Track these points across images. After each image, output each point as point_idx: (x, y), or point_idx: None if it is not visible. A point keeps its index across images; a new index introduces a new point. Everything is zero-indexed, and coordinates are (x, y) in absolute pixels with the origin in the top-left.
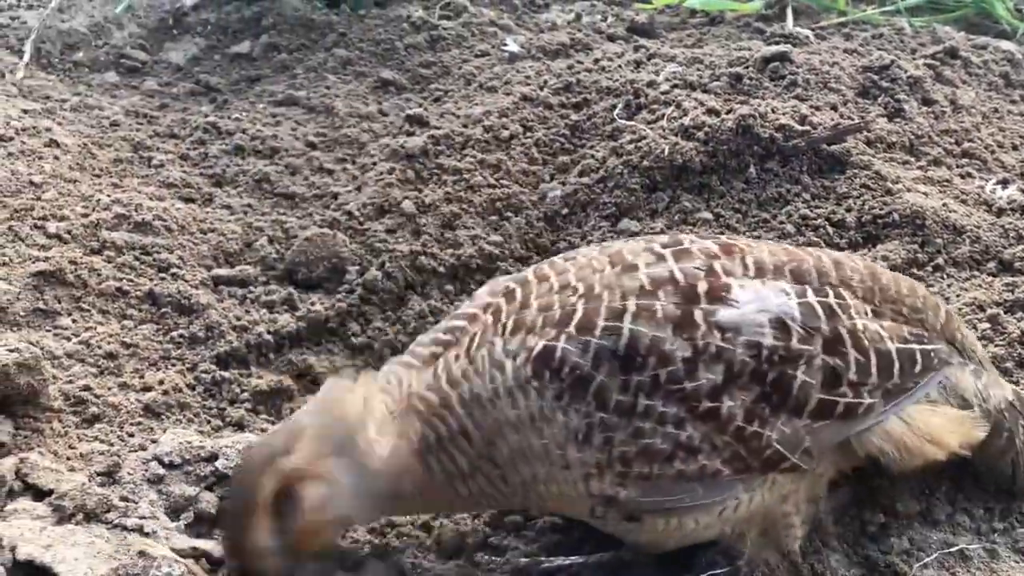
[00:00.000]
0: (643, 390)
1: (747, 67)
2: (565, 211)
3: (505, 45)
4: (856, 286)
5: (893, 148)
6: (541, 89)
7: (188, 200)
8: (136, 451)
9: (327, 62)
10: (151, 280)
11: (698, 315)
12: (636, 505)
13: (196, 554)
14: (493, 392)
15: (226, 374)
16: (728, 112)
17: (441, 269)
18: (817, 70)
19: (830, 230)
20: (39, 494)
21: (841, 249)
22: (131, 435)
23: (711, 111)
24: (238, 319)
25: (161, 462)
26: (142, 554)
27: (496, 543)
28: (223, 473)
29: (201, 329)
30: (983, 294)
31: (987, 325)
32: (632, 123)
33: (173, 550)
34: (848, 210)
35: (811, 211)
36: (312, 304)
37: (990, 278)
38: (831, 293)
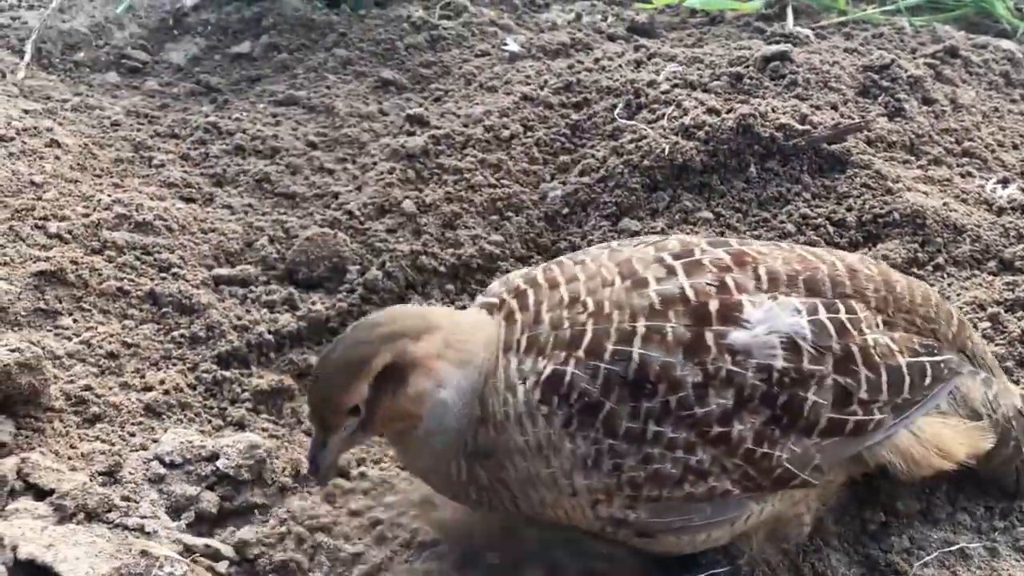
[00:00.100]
0: (653, 416)
1: (747, 67)
2: (566, 211)
3: (505, 45)
4: (870, 296)
5: (893, 147)
6: (541, 89)
7: (189, 200)
8: (137, 451)
9: (327, 62)
10: (152, 280)
11: (709, 338)
12: (646, 526)
13: (198, 553)
14: (504, 416)
15: (227, 374)
16: (728, 111)
17: (442, 269)
18: (817, 69)
19: (830, 229)
20: (40, 494)
21: (841, 248)
22: (132, 435)
23: (711, 110)
24: (239, 319)
25: (162, 462)
26: (144, 553)
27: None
28: (224, 473)
29: (202, 329)
30: (983, 293)
31: (987, 324)
32: (632, 123)
33: (176, 550)
34: (848, 209)
35: (811, 210)
36: (313, 304)
37: (990, 277)
38: (843, 308)
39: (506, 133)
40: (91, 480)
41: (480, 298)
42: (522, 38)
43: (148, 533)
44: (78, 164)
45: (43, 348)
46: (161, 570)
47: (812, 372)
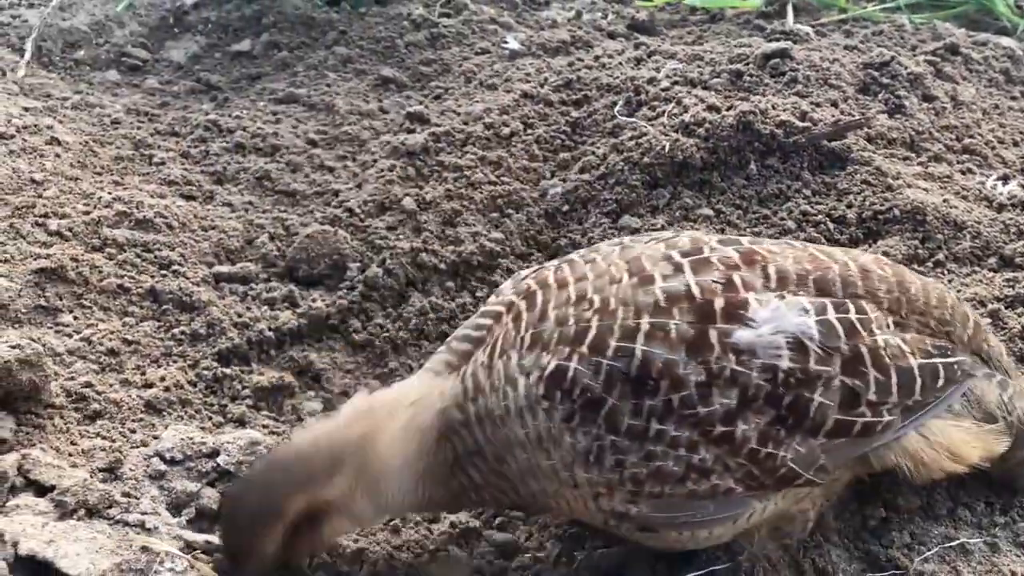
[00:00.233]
0: (655, 414)
1: (747, 64)
2: (566, 208)
3: (505, 42)
4: (882, 297)
5: (894, 144)
6: (542, 86)
7: (189, 198)
8: (138, 447)
9: (328, 60)
10: (152, 277)
11: (713, 336)
12: (648, 520)
13: (199, 549)
14: (504, 409)
15: (227, 371)
16: (729, 109)
17: (442, 266)
18: (817, 67)
19: (831, 226)
20: (41, 490)
21: (842, 245)
22: (133, 431)
23: (712, 108)
24: (239, 316)
25: (163, 458)
26: (144, 549)
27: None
28: (224, 469)
29: (202, 326)
30: (984, 290)
31: (988, 320)
32: (633, 120)
33: (176, 546)
34: (849, 206)
35: (812, 207)
36: (313, 301)
37: (991, 274)
38: (852, 308)
39: (506, 130)
40: (92, 476)
41: (492, 299)
42: (522, 36)
43: (149, 529)
44: (78, 162)
45: (44, 345)
46: (162, 566)
47: (819, 373)
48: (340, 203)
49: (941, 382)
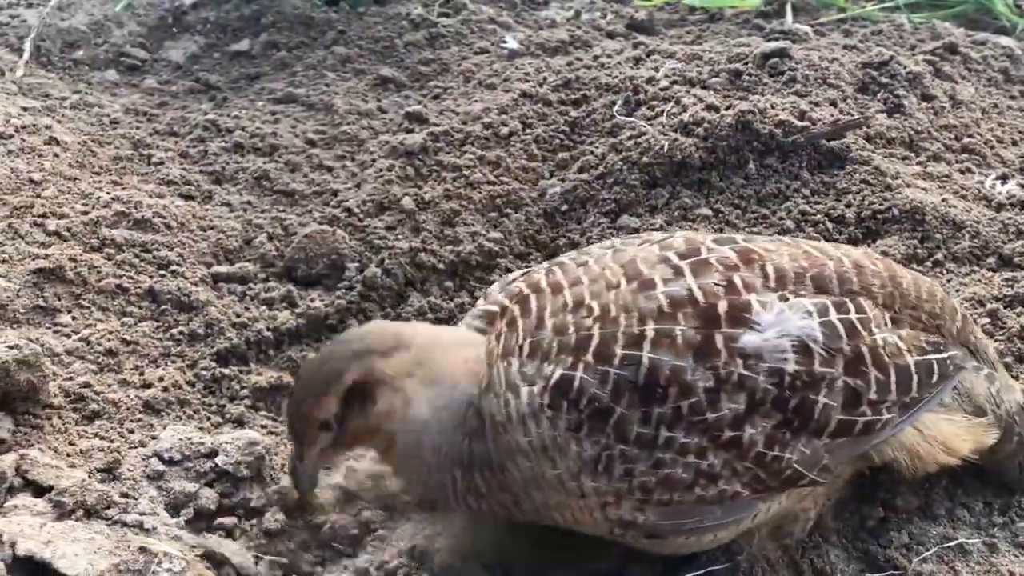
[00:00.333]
0: (664, 422)
1: (746, 63)
2: (565, 207)
3: (504, 42)
4: (877, 292)
5: (892, 144)
6: (540, 86)
7: (188, 197)
8: (136, 447)
9: (326, 60)
10: (151, 277)
11: (719, 341)
12: (656, 528)
13: (197, 549)
14: (506, 416)
15: (226, 371)
16: (727, 108)
17: (441, 266)
18: (816, 66)
19: (829, 226)
20: (39, 490)
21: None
22: (131, 432)
23: (710, 107)
24: (238, 316)
25: (161, 458)
26: (142, 550)
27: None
28: (223, 469)
29: (201, 326)
30: (983, 289)
31: (986, 320)
32: (631, 119)
33: (174, 546)
34: (848, 206)
35: (811, 207)
36: (312, 301)
37: (990, 273)
38: (852, 308)
39: (505, 130)
40: (90, 477)
41: (480, 303)
42: (521, 35)
43: (147, 530)
44: (77, 162)
45: (42, 345)
46: (160, 566)
47: (823, 375)
48: (339, 203)
49: (936, 378)
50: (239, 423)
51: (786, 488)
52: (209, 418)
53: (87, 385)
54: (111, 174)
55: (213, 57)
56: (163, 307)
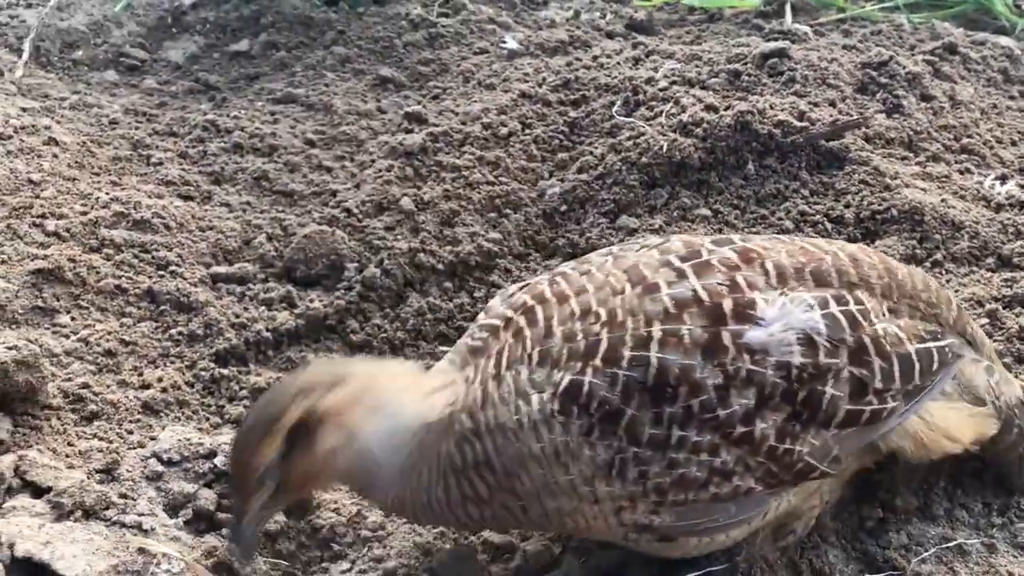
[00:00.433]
0: (676, 421)
1: (746, 64)
2: (564, 208)
3: (504, 42)
4: (875, 283)
5: (892, 144)
6: (540, 86)
7: (187, 198)
8: (135, 448)
9: (326, 60)
10: (150, 278)
11: (726, 338)
12: (670, 530)
13: (196, 550)
14: (517, 424)
15: (225, 371)
16: (727, 108)
17: (440, 266)
18: (816, 66)
19: (829, 226)
20: (38, 491)
21: None
22: (130, 432)
23: (709, 107)
24: (237, 316)
25: (160, 459)
26: (141, 551)
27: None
28: (222, 470)
29: (200, 327)
30: (982, 289)
31: (986, 320)
32: (631, 120)
33: (173, 547)
34: (847, 206)
35: (810, 207)
36: (311, 301)
37: (989, 273)
38: (851, 300)
39: (504, 130)
40: (89, 477)
41: (482, 317)
42: (520, 36)
43: (146, 530)
44: (76, 162)
45: (41, 346)
46: (158, 567)
47: (829, 366)
48: (338, 203)
49: (936, 365)
50: (238, 424)
51: (798, 481)
52: (208, 419)
53: (86, 386)
54: (110, 174)
55: (212, 57)
56: (162, 308)
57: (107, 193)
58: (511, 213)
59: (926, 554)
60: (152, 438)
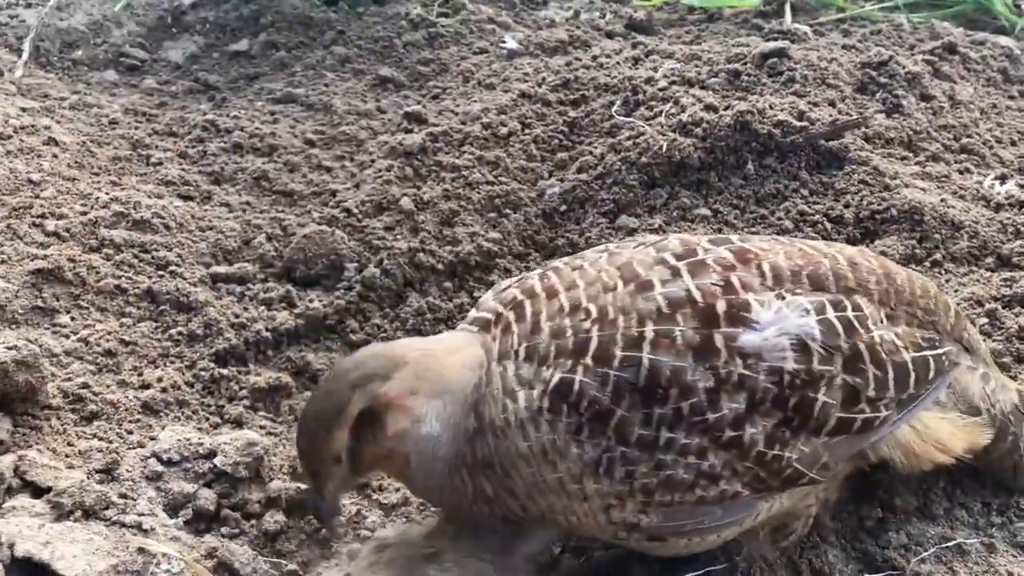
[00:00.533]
0: (665, 423)
1: (745, 63)
2: (563, 208)
3: (503, 42)
4: (872, 289)
5: (891, 144)
6: (539, 86)
7: (187, 198)
8: (135, 448)
9: (325, 60)
10: (150, 278)
11: (719, 340)
12: (658, 530)
13: (195, 550)
14: (505, 422)
15: (224, 371)
16: (726, 108)
17: (440, 266)
18: (815, 66)
19: (828, 226)
20: (37, 491)
21: None
22: (130, 432)
23: (709, 107)
24: (236, 316)
25: (160, 459)
26: (141, 551)
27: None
28: (221, 470)
29: (200, 326)
30: (981, 289)
31: (985, 320)
32: (630, 120)
33: (173, 547)
34: (846, 206)
35: (809, 207)
36: (311, 301)
37: (988, 273)
38: (849, 305)
39: (504, 130)
40: (88, 477)
41: (473, 312)
42: (520, 35)
43: (145, 530)
44: (76, 162)
45: (40, 346)
46: (158, 567)
47: (822, 373)
48: (338, 203)
49: (932, 374)
50: (238, 424)
51: (786, 487)
52: (208, 419)
53: (86, 386)
54: (110, 174)
55: (212, 57)
56: (162, 308)
57: (107, 193)
58: (511, 213)
59: (925, 554)
60: (152, 438)
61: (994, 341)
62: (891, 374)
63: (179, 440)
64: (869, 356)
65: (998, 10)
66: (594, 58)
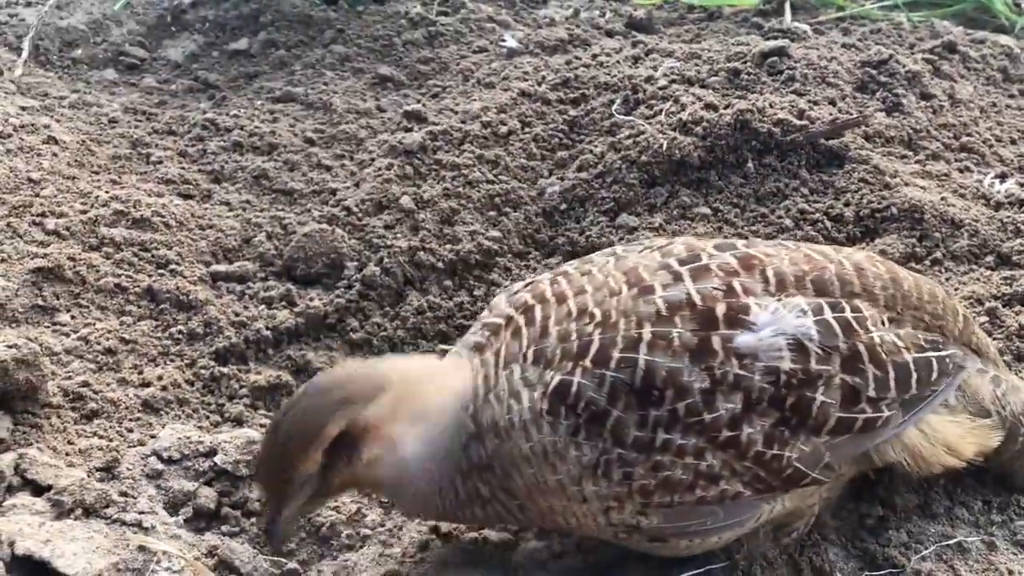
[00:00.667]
0: (661, 424)
1: (745, 62)
2: (563, 206)
3: (503, 41)
4: (878, 294)
5: (891, 142)
6: (539, 85)
7: (186, 196)
8: (135, 446)
9: (325, 58)
10: (150, 276)
11: (716, 342)
12: (659, 531)
13: (196, 548)
14: (509, 422)
15: (224, 370)
16: (726, 107)
17: (440, 265)
18: (815, 65)
19: (828, 224)
20: (38, 489)
21: (839, 244)
22: (130, 431)
23: (709, 106)
24: (236, 315)
25: (160, 457)
26: (141, 549)
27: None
28: (222, 468)
29: (200, 325)
30: (981, 288)
31: (985, 319)
32: (630, 118)
33: (174, 545)
34: (846, 204)
35: (809, 205)
36: (311, 300)
37: (988, 272)
38: (848, 307)
39: (504, 129)
40: (89, 476)
41: (485, 315)
42: (520, 34)
43: (146, 528)
44: (76, 161)
45: (41, 344)
46: (159, 565)
47: (819, 372)
48: (338, 202)
49: (935, 375)
50: (238, 422)
51: (789, 487)
52: (208, 417)
53: (86, 384)
54: (110, 173)
55: (212, 56)
56: (162, 306)
57: (107, 192)
58: (511, 211)
59: (926, 552)
60: (152, 436)
61: (994, 339)
62: (892, 374)
63: (179, 438)
64: (868, 356)
65: (998, 9)
66: (594, 57)
